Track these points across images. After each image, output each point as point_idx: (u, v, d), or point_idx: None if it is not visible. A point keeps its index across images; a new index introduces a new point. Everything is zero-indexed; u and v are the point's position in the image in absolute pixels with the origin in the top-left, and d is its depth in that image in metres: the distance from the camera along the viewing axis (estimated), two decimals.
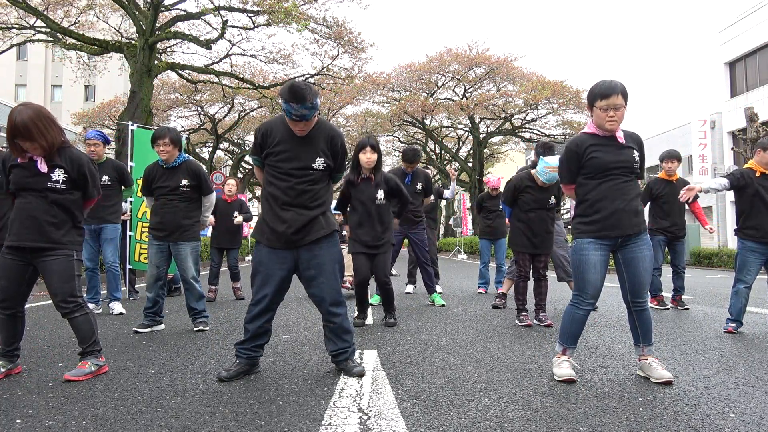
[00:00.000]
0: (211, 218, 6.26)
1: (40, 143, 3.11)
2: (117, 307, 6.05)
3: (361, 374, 3.27)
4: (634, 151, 3.24)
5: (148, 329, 4.87)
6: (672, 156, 6.44)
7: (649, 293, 6.40)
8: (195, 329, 4.90)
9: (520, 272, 5.33)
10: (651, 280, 6.29)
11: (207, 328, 4.93)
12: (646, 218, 5.65)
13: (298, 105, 3.00)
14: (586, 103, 3.36)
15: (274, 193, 3.25)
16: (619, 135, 3.24)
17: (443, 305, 6.63)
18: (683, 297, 6.56)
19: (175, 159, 4.87)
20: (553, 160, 4.99)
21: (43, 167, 3.18)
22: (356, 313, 5.24)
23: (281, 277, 3.27)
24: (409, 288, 8.30)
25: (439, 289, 8.09)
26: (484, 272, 8.54)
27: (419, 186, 6.51)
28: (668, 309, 6.37)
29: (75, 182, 3.28)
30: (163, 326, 5.03)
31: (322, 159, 3.26)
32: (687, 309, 6.37)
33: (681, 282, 6.50)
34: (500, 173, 8.56)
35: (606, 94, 3.14)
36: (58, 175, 3.21)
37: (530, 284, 5.42)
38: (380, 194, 5.01)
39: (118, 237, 6.13)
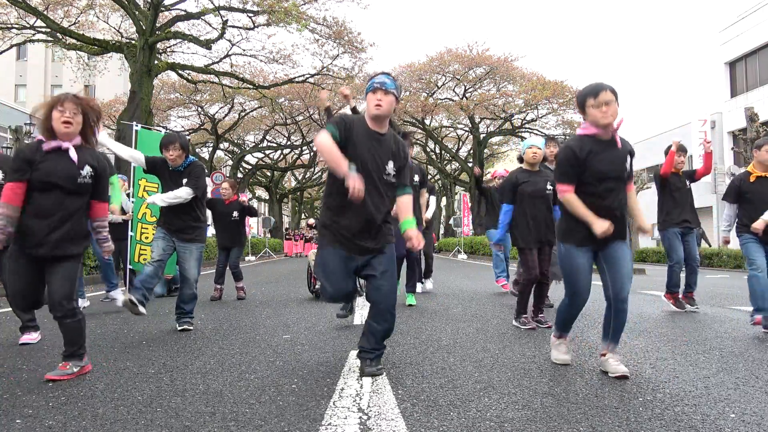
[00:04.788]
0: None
1: (84, 107, 3.27)
2: (119, 296, 5.98)
3: (373, 375, 3.24)
4: (628, 157, 3.31)
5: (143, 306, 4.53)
6: (680, 149, 6.26)
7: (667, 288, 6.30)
8: (179, 328, 4.91)
9: (529, 274, 5.18)
10: (672, 277, 6.21)
11: (191, 328, 4.97)
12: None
13: (381, 74, 3.44)
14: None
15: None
16: (617, 138, 3.28)
17: (411, 305, 6.57)
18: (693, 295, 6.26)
19: (182, 163, 4.91)
20: (536, 140, 5.41)
21: (74, 155, 3.26)
22: (342, 305, 4.98)
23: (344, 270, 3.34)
24: (418, 287, 8.27)
25: (428, 285, 8.24)
26: (497, 262, 8.33)
27: (416, 178, 6.49)
28: (685, 311, 6.08)
29: (97, 180, 3.37)
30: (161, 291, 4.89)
31: (392, 163, 3.37)
32: (697, 309, 6.15)
33: (695, 277, 6.24)
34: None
35: (595, 92, 3.19)
36: (87, 171, 3.30)
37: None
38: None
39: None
